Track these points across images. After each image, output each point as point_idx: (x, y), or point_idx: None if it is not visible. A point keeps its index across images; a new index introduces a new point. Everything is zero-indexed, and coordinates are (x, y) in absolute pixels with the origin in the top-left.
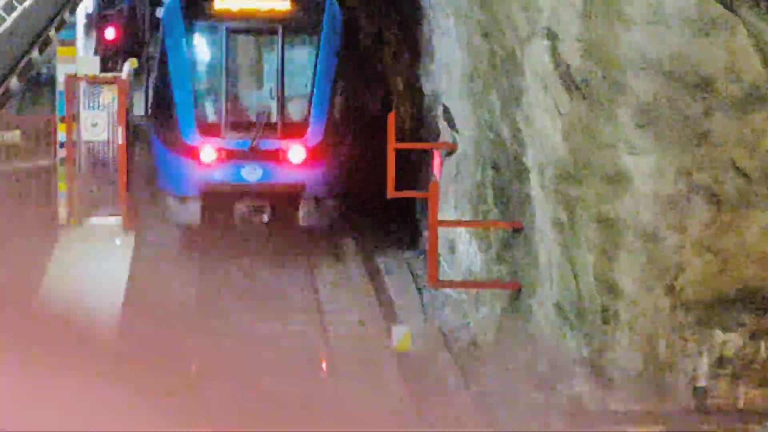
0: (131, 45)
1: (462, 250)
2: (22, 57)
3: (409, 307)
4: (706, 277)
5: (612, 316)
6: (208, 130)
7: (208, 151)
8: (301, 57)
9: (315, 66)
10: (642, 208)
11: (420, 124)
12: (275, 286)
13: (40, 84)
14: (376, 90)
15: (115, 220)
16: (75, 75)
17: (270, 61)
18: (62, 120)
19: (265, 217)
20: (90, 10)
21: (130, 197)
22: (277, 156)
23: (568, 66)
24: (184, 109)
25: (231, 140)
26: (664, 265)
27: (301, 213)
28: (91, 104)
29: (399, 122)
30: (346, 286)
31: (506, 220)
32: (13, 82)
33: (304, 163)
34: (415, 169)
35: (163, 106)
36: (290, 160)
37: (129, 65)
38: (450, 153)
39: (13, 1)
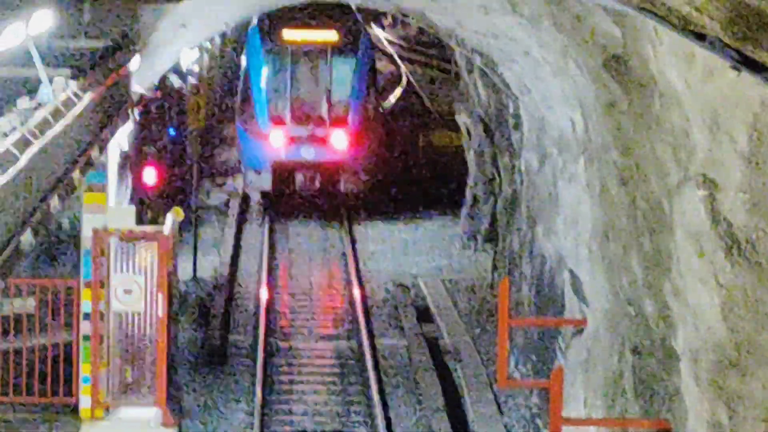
0: (176, 191)
1: None
2: (38, 206)
3: None
4: None
5: None
6: (278, 121)
7: (277, 137)
8: (344, 71)
9: (353, 77)
10: None
11: (541, 293)
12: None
13: (61, 240)
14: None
15: (151, 414)
16: (105, 229)
17: (322, 73)
18: (87, 285)
19: (317, 184)
20: (125, 148)
21: (171, 384)
22: (325, 140)
23: (729, 223)
24: (261, 107)
25: (293, 129)
26: None
27: (342, 181)
28: (125, 266)
29: (514, 292)
30: None
31: (650, 419)
32: (26, 238)
33: (346, 146)
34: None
35: (246, 105)
36: (335, 144)
37: (173, 216)
38: (578, 332)
39: (28, 137)
